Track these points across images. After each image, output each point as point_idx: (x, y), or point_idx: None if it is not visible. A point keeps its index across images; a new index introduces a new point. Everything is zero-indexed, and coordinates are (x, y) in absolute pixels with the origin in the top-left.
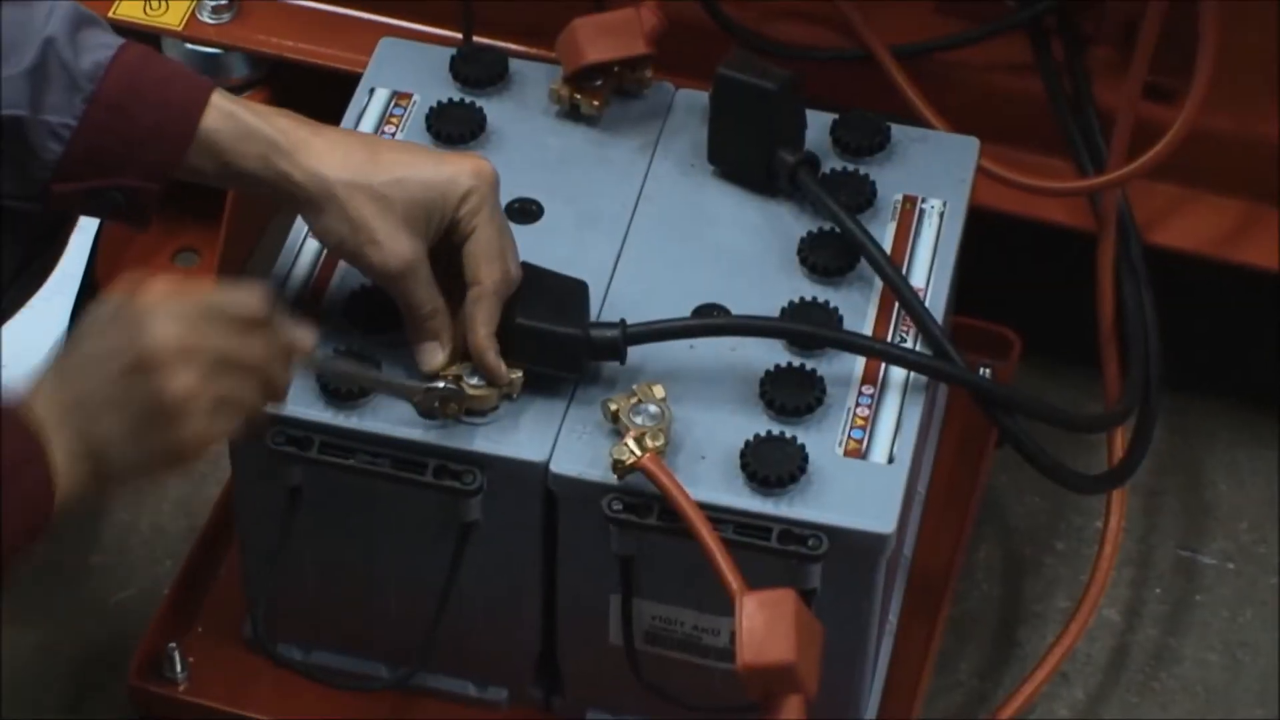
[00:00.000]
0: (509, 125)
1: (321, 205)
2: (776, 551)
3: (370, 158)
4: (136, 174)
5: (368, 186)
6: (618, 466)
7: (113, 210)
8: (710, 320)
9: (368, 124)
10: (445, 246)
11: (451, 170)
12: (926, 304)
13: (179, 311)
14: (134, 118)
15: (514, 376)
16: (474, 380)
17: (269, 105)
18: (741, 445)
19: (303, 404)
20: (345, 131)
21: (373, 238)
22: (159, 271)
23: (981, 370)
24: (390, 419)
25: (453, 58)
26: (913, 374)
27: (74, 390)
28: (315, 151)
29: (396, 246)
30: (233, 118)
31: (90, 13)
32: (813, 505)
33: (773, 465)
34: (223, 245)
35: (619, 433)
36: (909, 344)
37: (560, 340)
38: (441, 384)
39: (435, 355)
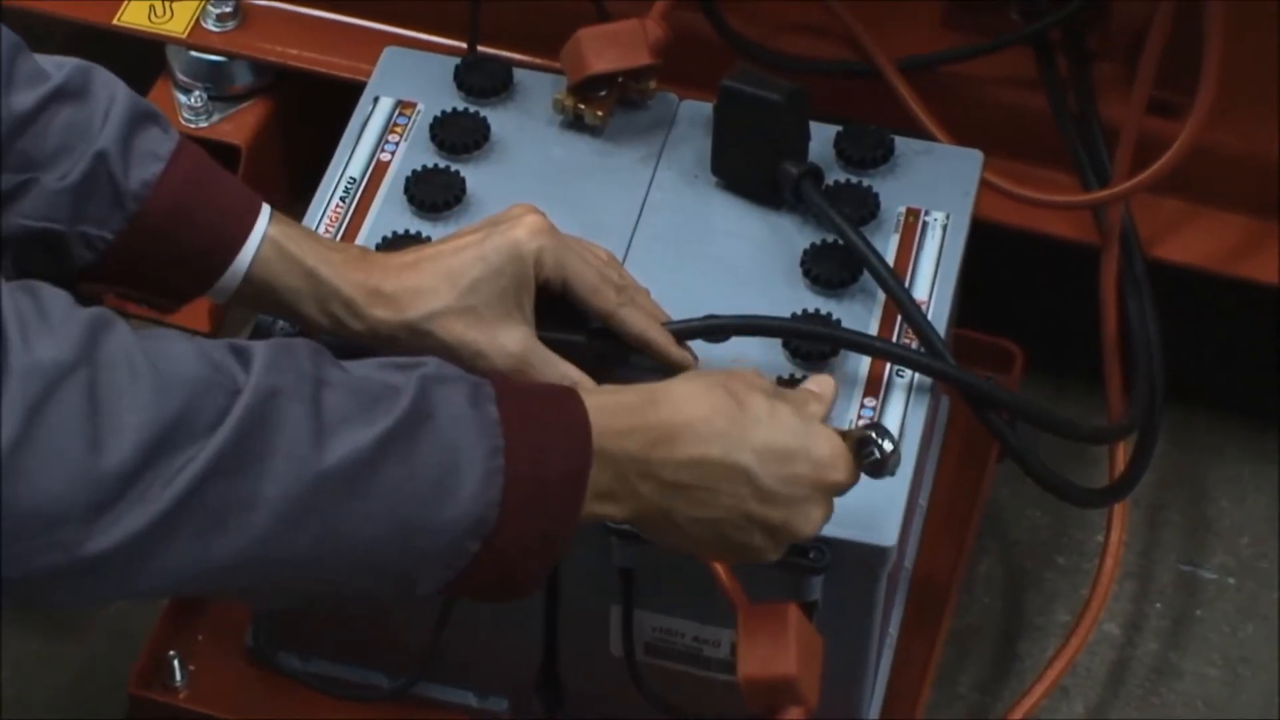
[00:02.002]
0: (513, 135)
1: (415, 345)
2: (778, 564)
3: (436, 276)
4: (164, 291)
5: (447, 310)
6: None
7: (140, 301)
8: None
9: (372, 133)
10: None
11: (509, 245)
12: (929, 317)
13: (848, 455)
14: (172, 242)
15: None
16: None
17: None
18: None
19: None
20: (403, 259)
21: (476, 350)
22: None
23: None
24: None
25: (457, 67)
26: (914, 389)
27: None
28: (386, 298)
29: (502, 347)
30: (291, 261)
31: (148, 107)
32: None
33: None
34: None
35: None
36: None
37: (563, 346)
38: None
39: None
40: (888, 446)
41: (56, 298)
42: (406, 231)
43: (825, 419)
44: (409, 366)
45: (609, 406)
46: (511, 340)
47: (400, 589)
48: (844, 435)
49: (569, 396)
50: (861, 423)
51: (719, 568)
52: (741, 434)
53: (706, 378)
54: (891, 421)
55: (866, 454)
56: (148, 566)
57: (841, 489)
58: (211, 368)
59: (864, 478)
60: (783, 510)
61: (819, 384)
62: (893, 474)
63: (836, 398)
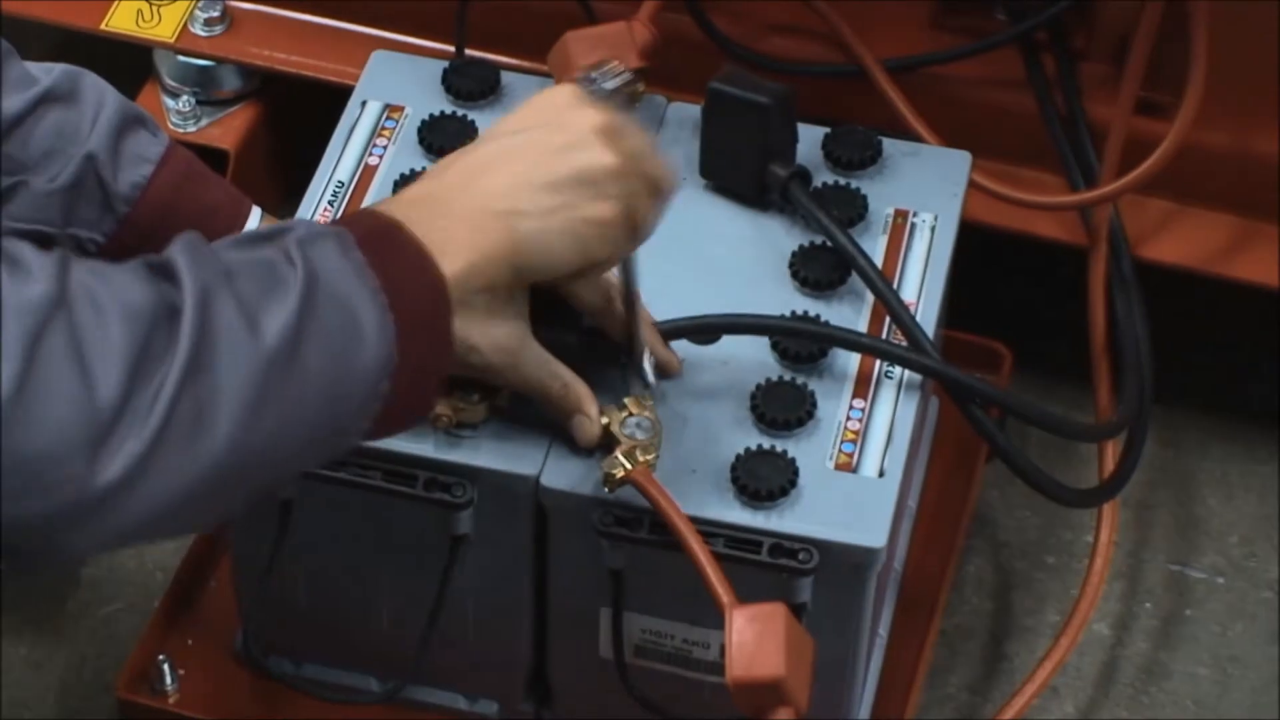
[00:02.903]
0: None
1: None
2: (767, 565)
3: None
4: None
5: None
6: (608, 480)
7: None
8: (698, 319)
9: (360, 137)
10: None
11: None
12: (918, 318)
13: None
14: (162, 243)
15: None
16: (474, 396)
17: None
18: (732, 459)
19: None
20: None
21: (470, 345)
22: None
23: None
24: None
25: (445, 70)
26: (903, 388)
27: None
28: None
29: (496, 342)
30: None
31: (137, 110)
32: (803, 519)
33: (763, 479)
34: None
35: (610, 446)
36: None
37: (554, 345)
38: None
39: (586, 428)
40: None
41: (21, 244)
42: None
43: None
44: (279, 234)
45: (410, 198)
46: (505, 335)
47: (333, 448)
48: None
49: (391, 222)
50: (848, 437)
51: (707, 569)
52: (496, 127)
53: None
54: (880, 422)
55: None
56: (150, 490)
57: (605, 131)
58: (152, 288)
59: None
60: (595, 150)
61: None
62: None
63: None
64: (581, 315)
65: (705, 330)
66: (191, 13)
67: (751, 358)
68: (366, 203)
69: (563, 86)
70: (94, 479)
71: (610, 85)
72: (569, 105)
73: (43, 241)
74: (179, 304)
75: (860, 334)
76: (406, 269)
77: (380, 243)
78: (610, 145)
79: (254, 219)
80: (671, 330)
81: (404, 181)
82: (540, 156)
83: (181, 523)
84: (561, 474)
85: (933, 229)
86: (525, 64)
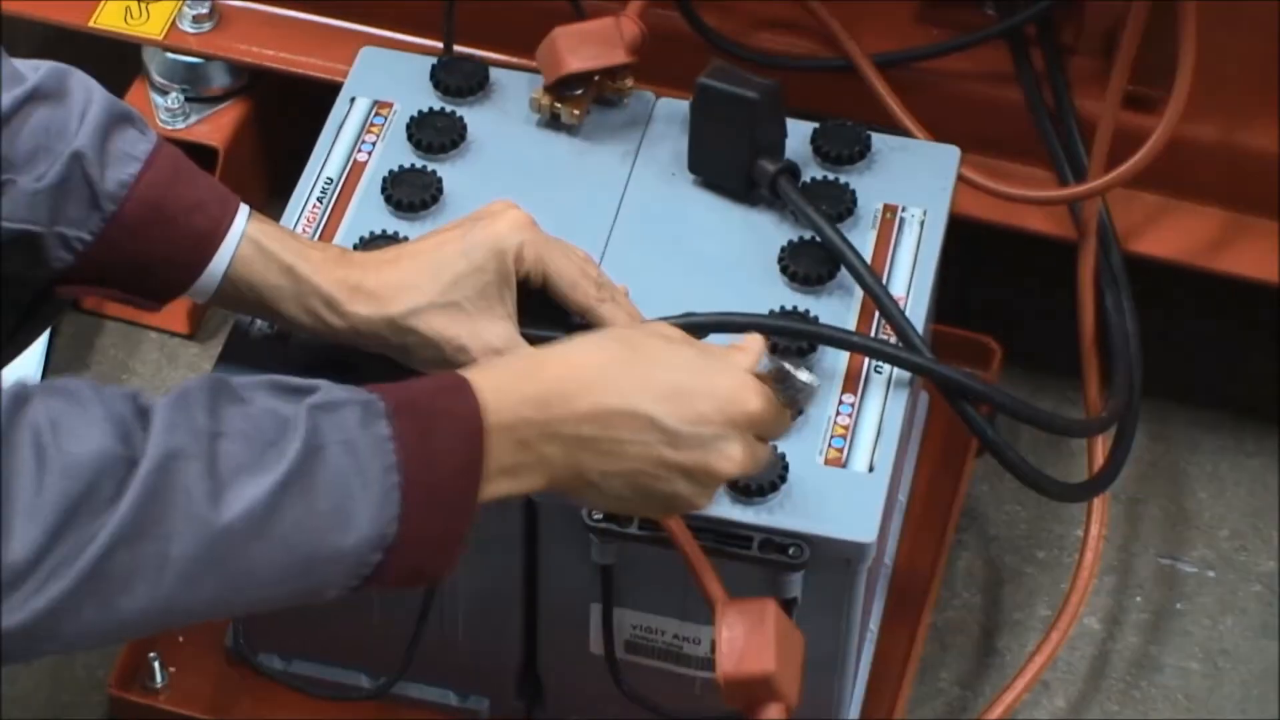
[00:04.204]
0: (490, 134)
1: (398, 341)
2: (757, 560)
3: (418, 272)
4: (143, 292)
5: (429, 305)
6: None
7: (119, 300)
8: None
9: (349, 133)
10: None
11: (490, 240)
12: (907, 313)
13: (758, 385)
14: (150, 242)
15: None
16: None
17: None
18: None
19: None
20: (384, 256)
21: (458, 345)
22: None
23: None
24: None
25: (433, 67)
26: (892, 384)
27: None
28: (367, 294)
29: (485, 341)
30: (270, 259)
31: (125, 108)
32: (793, 514)
33: (753, 474)
34: None
35: None
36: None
37: (543, 343)
38: None
39: None
40: (804, 376)
41: None
42: (384, 231)
43: (750, 370)
44: (300, 392)
45: (500, 382)
46: (494, 335)
47: (306, 601)
48: (762, 377)
49: (459, 391)
50: (838, 431)
51: (697, 564)
52: (637, 379)
53: (597, 333)
54: (869, 417)
55: (786, 387)
56: (54, 635)
57: (757, 421)
58: (115, 437)
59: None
60: (695, 452)
61: (747, 340)
62: (808, 404)
63: (763, 351)
64: (569, 313)
65: (694, 329)
66: (180, 10)
67: None
68: (355, 199)
69: (746, 378)
70: None
71: (805, 379)
72: (727, 424)
73: (30, 242)
74: (138, 459)
75: (850, 332)
76: (443, 443)
77: (421, 410)
78: (712, 487)
79: (242, 217)
80: None
81: (391, 179)
82: (653, 464)
83: (102, 646)
84: None
85: (922, 224)
86: (514, 60)
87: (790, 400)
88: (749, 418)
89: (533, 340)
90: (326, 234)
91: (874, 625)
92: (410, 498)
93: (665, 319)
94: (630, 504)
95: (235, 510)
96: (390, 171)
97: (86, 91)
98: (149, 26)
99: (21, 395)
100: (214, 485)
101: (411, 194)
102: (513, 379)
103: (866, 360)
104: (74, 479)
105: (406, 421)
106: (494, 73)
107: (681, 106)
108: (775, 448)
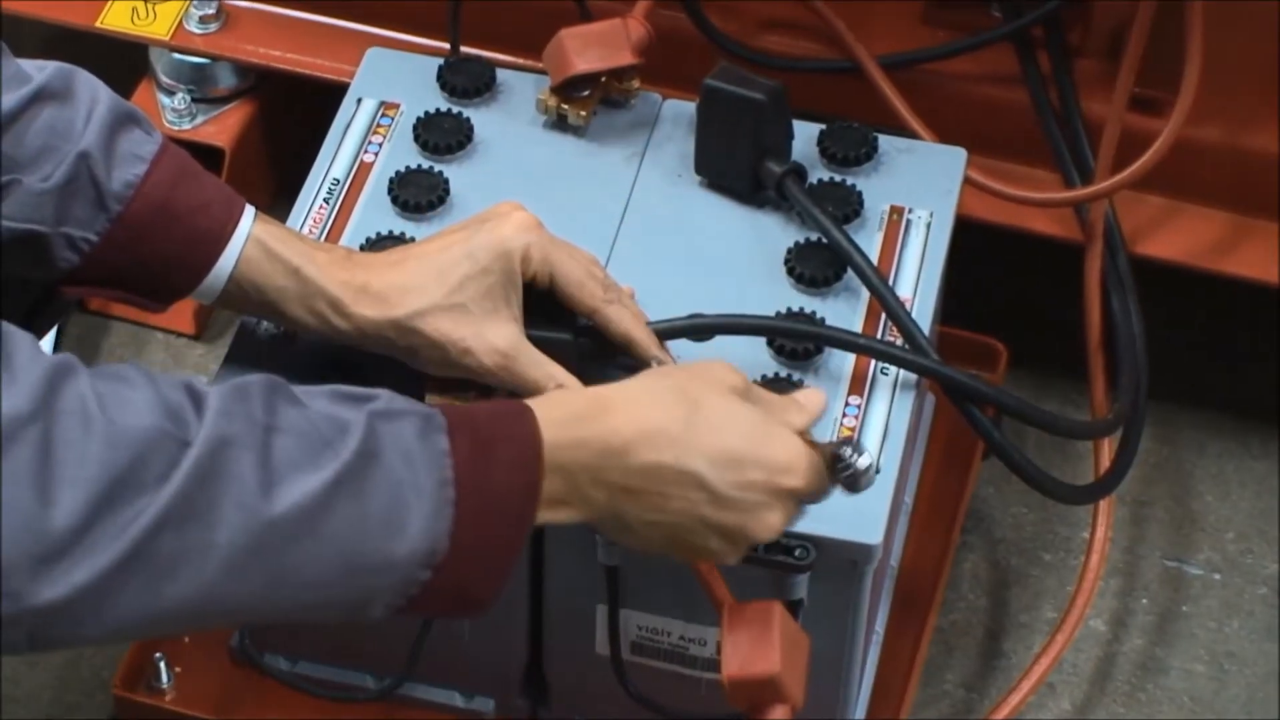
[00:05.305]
0: (496, 135)
1: (403, 343)
2: (763, 562)
3: (424, 274)
4: (148, 293)
5: (435, 307)
6: None
7: (124, 301)
8: (693, 319)
9: (355, 134)
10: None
11: (496, 242)
12: (913, 314)
13: (811, 457)
14: (156, 243)
15: None
16: (469, 395)
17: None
18: None
19: None
20: (390, 258)
21: (464, 347)
22: None
23: None
24: None
25: (440, 68)
26: (898, 386)
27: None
28: (373, 296)
29: (490, 343)
30: (275, 261)
31: (130, 109)
32: (799, 516)
33: None
34: None
35: None
36: None
37: (550, 344)
38: None
39: None
40: (862, 462)
41: (20, 344)
42: (390, 232)
43: (807, 430)
44: (361, 400)
45: (560, 419)
46: (499, 337)
47: (352, 617)
48: (818, 447)
49: (520, 417)
50: (844, 433)
51: (703, 566)
52: (694, 439)
53: (664, 379)
54: (876, 419)
55: (841, 468)
56: (97, 615)
57: (802, 496)
58: (166, 416)
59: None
60: (737, 515)
61: (807, 397)
62: (867, 487)
63: (824, 411)
64: (575, 315)
65: (700, 330)
66: (186, 10)
67: (746, 354)
68: (362, 200)
69: (800, 450)
70: (31, 598)
71: (863, 464)
72: (774, 494)
73: (35, 243)
74: (190, 439)
75: (856, 334)
76: (500, 466)
77: (481, 431)
78: (743, 548)
79: (248, 218)
80: (667, 331)
81: (397, 180)
82: (694, 520)
83: (144, 637)
84: None
85: (928, 225)
86: (520, 61)
87: (848, 482)
88: (795, 491)
89: (537, 341)
90: (333, 235)
91: (879, 627)
92: (463, 515)
93: (671, 320)
94: (659, 548)
95: (286, 503)
96: (397, 172)
97: (93, 92)
98: (155, 27)
99: (69, 365)
100: (266, 476)
101: (418, 195)
102: (573, 419)
103: (873, 362)
104: (121, 450)
105: (465, 440)
106: (501, 74)
107: (688, 108)
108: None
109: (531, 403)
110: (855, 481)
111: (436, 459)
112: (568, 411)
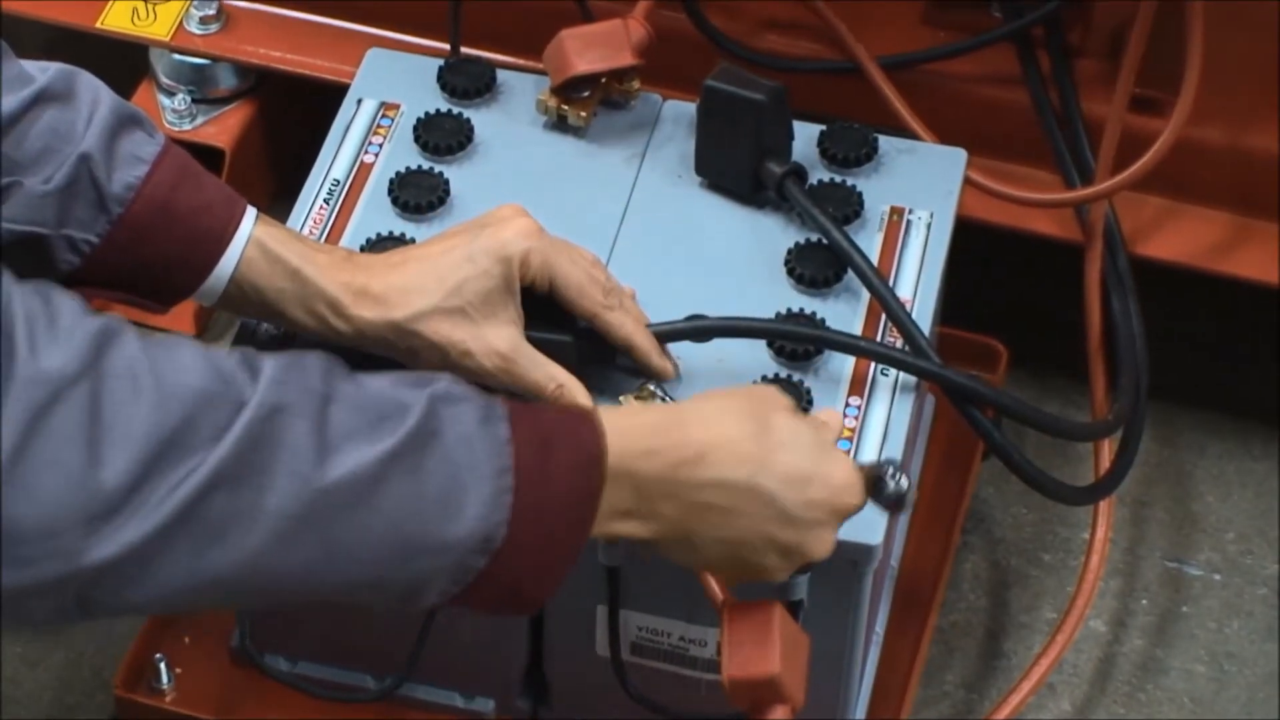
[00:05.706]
0: (496, 136)
1: (402, 346)
2: None
3: (424, 276)
4: (149, 294)
5: (434, 310)
6: None
7: (125, 303)
8: (693, 321)
9: (355, 135)
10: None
11: (496, 245)
12: (913, 315)
13: (861, 479)
14: (157, 244)
15: None
16: None
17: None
18: None
19: None
20: (390, 260)
21: (463, 350)
22: None
23: None
24: None
25: (440, 68)
26: (899, 387)
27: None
28: (373, 298)
29: (490, 346)
30: (276, 262)
31: (132, 110)
32: None
33: None
34: None
35: None
36: None
37: (551, 346)
38: None
39: None
40: (904, 483)
41: (68, 304)
42: (390, 233)
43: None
44: (421, 383)
45: (631, 428)
46: (499, 340)
47: (403, 602)
48: (861, 468)
49: (583, 419)
50: (844, 433)
51: None
52: (767, 457)
53: (730, 398)
54: (876, 420)
55: (882, 488)
56: (146, 577)
57: (853, 514)
58: (217, 379)
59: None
60: (800, 533)
61: (829, 416)
62: (907, 509)
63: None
64: (576, 316)
65: (701, 333)
66: (187, 11)
67: (747, 355)
68: (362, 201)
69: (854, 471)
70: (82, 557)
71: (905, 485)
72: (832, 513)
73: (37, 245)
74: (244, 401)
75: (856, 336)
76: (560, 464)
77: (544, 427)
78: (795, 565)
79: (249, 219)
80: (667, 334)
81: (397, 180)
82: (759, 538)
83: (189, 607)
84: None
85: (928, 226)
86: (521, 62)
87: (891, 504)
88: (849, 510)
89: (537, 343)
90: (333, 236)
91: (880, 627)
92: (521, 506)
93: (672, 321)
94: (719, 565)
95: (339, 472)
96: (397, 173)
97: (94, 93)
98: (156, 28)
99: (117, 326)
100: (320, 444)
101: (418, 195)
102: (645, 430)
103: (873, 363)
104: (170, 410)
105: (527, 433)
106: (501, 74)
107: (688, 109)
108: None
109: (603, 410)
110: (898, 503)
111: (497, 446)
112: (641, 421)
